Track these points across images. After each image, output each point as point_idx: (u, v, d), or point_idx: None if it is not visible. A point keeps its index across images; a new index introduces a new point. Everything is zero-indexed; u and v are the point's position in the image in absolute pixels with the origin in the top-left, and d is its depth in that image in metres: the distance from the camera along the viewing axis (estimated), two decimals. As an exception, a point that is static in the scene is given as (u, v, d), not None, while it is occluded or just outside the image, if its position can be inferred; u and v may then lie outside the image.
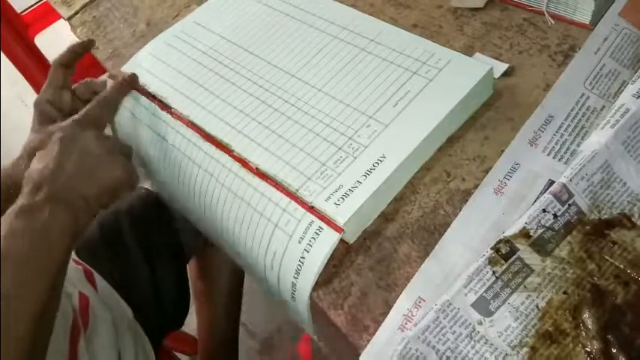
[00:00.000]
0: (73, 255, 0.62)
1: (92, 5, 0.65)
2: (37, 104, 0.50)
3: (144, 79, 0.51)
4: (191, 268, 0.76)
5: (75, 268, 0.58)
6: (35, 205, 0.39)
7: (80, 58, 0.51)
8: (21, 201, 0.39)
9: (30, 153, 0.47)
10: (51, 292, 0.38)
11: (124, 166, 0.44)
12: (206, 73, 0.50)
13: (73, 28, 0.64)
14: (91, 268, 0.59)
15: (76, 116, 0.45)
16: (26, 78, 1.47)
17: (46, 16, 1.43)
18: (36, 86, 1.46)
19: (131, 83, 0.51)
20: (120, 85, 0.50)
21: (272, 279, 0.40)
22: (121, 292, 0.60)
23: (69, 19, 0.65)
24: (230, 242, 0.44)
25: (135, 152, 0.49)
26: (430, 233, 0.39)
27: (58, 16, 0.66)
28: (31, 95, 1.46)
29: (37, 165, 0.41)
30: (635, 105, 0.37)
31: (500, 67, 0.46)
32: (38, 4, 1.49)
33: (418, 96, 0.43)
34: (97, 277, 0.58)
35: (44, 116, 0.49)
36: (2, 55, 1.37)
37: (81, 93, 0.51)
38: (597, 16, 0.46)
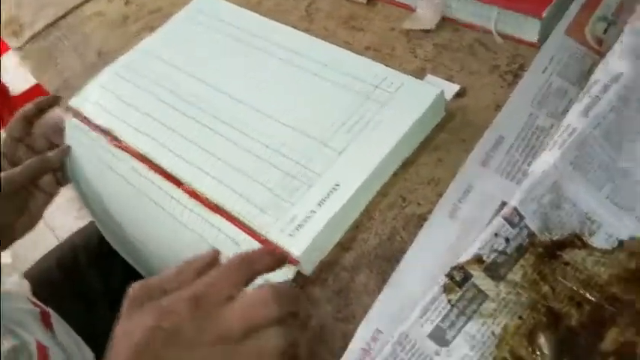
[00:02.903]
0: (31, 295, 0.59)
1: (41, 35, 0.64)
2: None
3: (93, 112, 0.50)
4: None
5: (31, 310, 0.55)
6: None
7: (43, 113, 0.51)
8: None
9: None
10: None
11: None
12: (155, 103, 0.49)
13: (22, 59, 0.63)
14: (48, 310, 0.56)
15: (182, 302, 0.29)
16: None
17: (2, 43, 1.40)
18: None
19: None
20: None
21: None
22: (81, 332, 0.58)
23: (18, 49, 0.63)
24: None
25: (78, 186, 0.47)
26: (387, 261, 0.38)
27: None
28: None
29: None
30: (582, 124, 0.38)
31: (452, 89, 0.46)
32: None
33: (371, 121, 0.43)
34: (55, 318, 0.55)
35: None
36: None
37: (39, 147, 0.50)
38: (544, 34, 0.47)
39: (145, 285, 0.30)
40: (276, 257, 0.33)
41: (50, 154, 0.49)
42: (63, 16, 0.65)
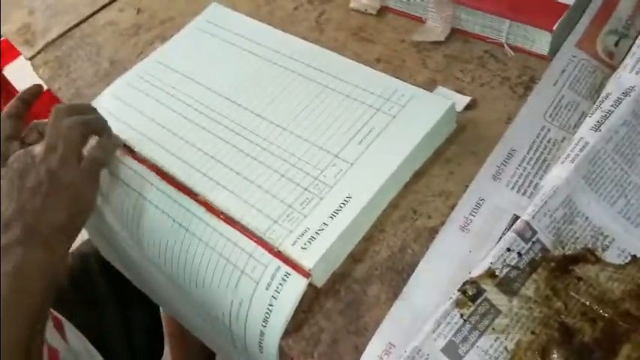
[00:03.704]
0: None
1: (55, 44, 0.64)
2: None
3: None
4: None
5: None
6: (6, 246, 0.37)
7: (30, 106, 0.50)
8: None
9: None
10: (33, 331, 0.38)
11: (94, 182, 0.42)
12: (169, 113, 0.49)
13: (35, 68, 0.63)
14: (60, 317, 0.57)
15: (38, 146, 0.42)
16: (-6, 111, 1.45)
17: (14, 47, 1.41)
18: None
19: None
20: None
21: (238, 330, 0.39)
22: (92, 339, 0.58)
23: (31, 58, 0.64)
24: (191, 293, 0.43)
25: None
26: (398, 274, 0.38)
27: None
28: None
29: (3, 202, 0.39)
30: (594, 138, 0.38)
31: (463, 101, 0.46)
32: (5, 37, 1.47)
33: (382, 133, 0.43)
34: (67, 325, 0.56)
35: None
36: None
37: (31, 140, 0.50)
38: (555, 47, 0.47)
39: None
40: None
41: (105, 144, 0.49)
42: (76, 25, 0.65)
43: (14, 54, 1.44)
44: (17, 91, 1.46)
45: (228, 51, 0.53)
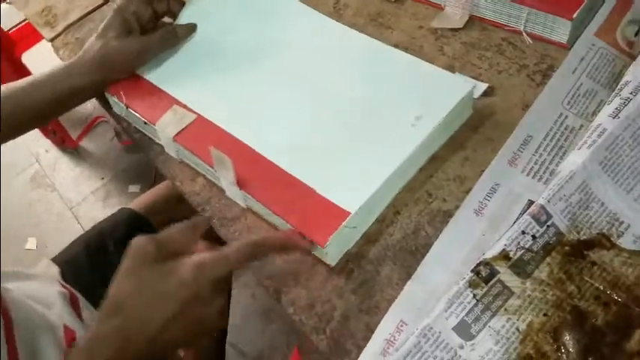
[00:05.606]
0: (60, 279, 0.61)
1: (75, 26, 0.65)
2: (120, 11, 0.50)
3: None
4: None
5: (61, 293, 0.56)
6: None
7: None
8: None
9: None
10: None
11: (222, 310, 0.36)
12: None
13: (56, 50, 0.64)
14: (76, 293, 0.58)
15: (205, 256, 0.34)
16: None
17: (33, 33, 1.43)
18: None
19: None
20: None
21: None
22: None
23: (51, 40, 0.65)
24: None
25: None
26: (412, 255, 0.39)
27: (45, 35, 0.66)
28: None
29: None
30: (612, 125, 0.38)
31: (480, 87, 0.46)
32: (25, 22, 1.48)
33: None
34: (82, 303, 0.57)
35: (125, 26, 0.49)
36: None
37: (160, 9, 0.53)
38: (574, 35, 0.47)
39: (153, 242, 0.35)
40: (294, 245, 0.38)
41: (180, 28, 0.52)
42: (97, 8, 0.66)
43: (32, 40, 1.46)
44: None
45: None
